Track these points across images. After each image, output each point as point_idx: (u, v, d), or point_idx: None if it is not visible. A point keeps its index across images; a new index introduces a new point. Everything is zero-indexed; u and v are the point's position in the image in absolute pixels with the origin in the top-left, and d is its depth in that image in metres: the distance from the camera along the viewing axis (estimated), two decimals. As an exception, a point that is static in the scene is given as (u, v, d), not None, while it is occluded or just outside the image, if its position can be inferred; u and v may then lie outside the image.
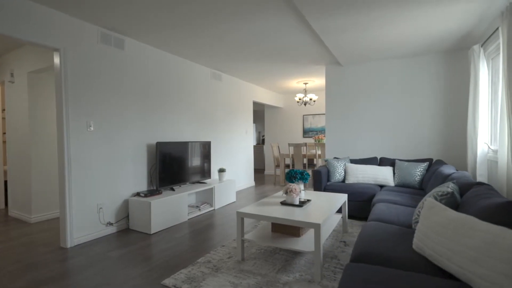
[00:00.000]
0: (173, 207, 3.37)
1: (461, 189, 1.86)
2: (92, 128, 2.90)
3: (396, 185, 3.55)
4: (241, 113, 5.66)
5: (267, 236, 2.42)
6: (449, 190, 1.70)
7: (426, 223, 1.40)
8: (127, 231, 3.15)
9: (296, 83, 6.10)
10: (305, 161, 6.22)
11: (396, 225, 1.96)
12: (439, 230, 1.29)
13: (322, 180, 3.69)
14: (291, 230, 2.40)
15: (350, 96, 4.42)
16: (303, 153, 5.83)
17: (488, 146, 2.73)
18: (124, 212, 3.27)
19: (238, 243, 2.35)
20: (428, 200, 1.51)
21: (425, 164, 3.41)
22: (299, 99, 5.92)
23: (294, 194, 2.52)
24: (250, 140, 6.00)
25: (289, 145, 5.84)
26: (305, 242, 2.23)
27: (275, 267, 2.20)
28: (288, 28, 3.01)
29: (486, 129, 2.76)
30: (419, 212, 1.78)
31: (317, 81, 5.86)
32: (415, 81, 3.94)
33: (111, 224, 3.11)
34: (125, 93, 3.25)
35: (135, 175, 3.38)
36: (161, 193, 3.43)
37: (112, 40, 3.09)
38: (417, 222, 1.78)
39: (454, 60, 3.67)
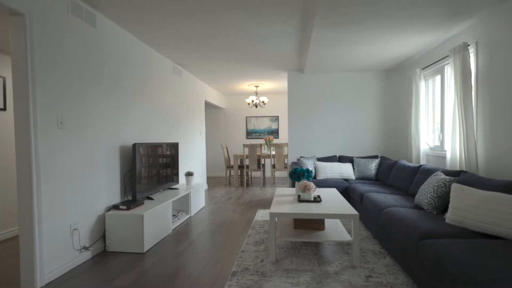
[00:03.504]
0: (161, 219, 2.93)
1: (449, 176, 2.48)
2: (63, 126, 2.20)
3: (356, 178, 4.23)
4: (197, 113, 5.35)
5: (292, 233, 2.49)
6: (450, 177, 2.26)
7: (464, 202, 1.86)
8: (106, 255, 2.53)
9: (247, 85, 6.23)
10: (263, 161, 6.43)
11: (408, 208, 2.41)
12: (481, 205, 1.75)
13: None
14: (315, 224, 2.55)
15: (310, 101, 4.92)
16: (257, 153, 6.02)
17: (428, 145, 3.67)
18: (99, 232, 2.61)
19: (271, 244, 2.32)
20: (456, 185, 1.99)
21: (378, 160, 4.22)
22: (252, 100, 6.09)
23: (311, 191, 2.68)
24: (203, 142, 5.73)
25: (244, 146, 5.92)
26: (334, 233, 2.44)
27: (312, 261, 2.31)
28: (281, 32, 3.13)
29: (425, 132, 3.70)
30: (431, 196, 2.29)
31: (268, 84, 6.19)
32: (361, 92, 4.78)
33: (86, 248, 2.43)
34: (97, 82, 2.61)
35: (108, 184, 2.75)
36: (142, 203, 2.91)
37: (83, 13, 2.43)
38: (430, 204, 2.28)
39: (392, 76, 4.69)
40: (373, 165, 4.18)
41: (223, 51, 3.81)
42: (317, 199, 2.69)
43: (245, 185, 6.12)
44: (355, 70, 4.72)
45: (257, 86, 6.25)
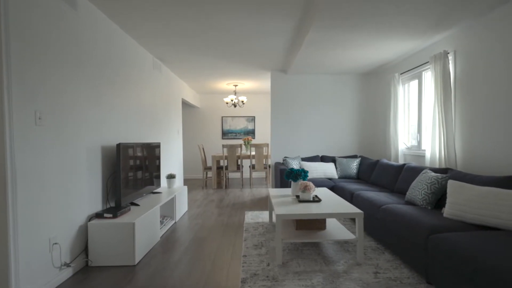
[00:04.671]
0: (150, 226, 2.68)
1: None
2: (42, 122, 1.88)
3: (339, 177, 4.36)
4: (174, 112, 5.05)
5: (295, 234, 2.45)
6: (441, 175, 2.44)
7: (463, 197, 2.00)
8: (90, 271, 2.23)
9: (226, 84, 6.08)
10: (240, 162, 6.28)
11: (403, 205, 2.53)
12: (480, 200, 1.90)
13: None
14: (317, 224, 2.55)
15: (292, 102, 4.97)
16: (237, 154, 5.90)
17: (405, 145, 3.94)
18: (81, 245, 2.29)
19: (278, 247, 2.25)
20: (452, 182, 2.14)
21: (359, 159, 4.41)
22: (231, 100, 5.95)
23: (311, 191, 2.68)
24: (180, 142, 5.44)
25: (223, 146, 5.76)
26: (336, 232, 2.46)
27: (318, 262, 2.30)
28: (276, 31, 3.10)
29: (402, 133, 3.97)
30: (425, 192, 2.43)
31: (247, 84, 6.11)
32: (341, 94, 4.97)
33: (67, 265, 2.10)
34: (79, 73, 2.28)
35: (90, 190, 2.43)
36: (129, 210, 2.64)
37: (62, -7, 2.11)
38: (425, 200, 2.42)
39: (370, 80, 4.95)
40: (354, 164, 4.36)
41: (211, 48, 3.65)
42: (316, 199, 2.70)
43: (223, 187, 5.95)
44: (336, 73, 4.88)
45: (236, 85, 6.14)
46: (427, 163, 3.24)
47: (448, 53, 2.98)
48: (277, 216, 2.26)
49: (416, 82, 3.74)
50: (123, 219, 2.38)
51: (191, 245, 2.75)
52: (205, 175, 6.22)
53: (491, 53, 2.51)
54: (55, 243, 1.99)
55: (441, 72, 2.99)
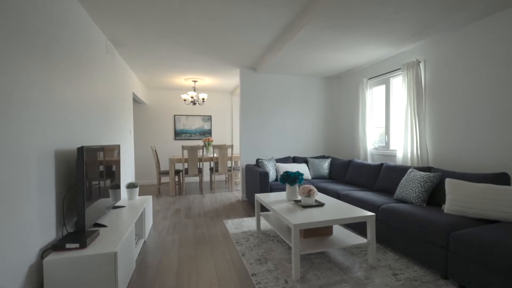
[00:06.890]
0: (128, 252, 2.10)
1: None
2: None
3: (312, 178, 4.38)
4: (126, 108, 4.26)
5: (306, 243, 2.27)
6: (433, 173, 2.61)
7: (463, 193, 2.15)
8: (51, 327, 1.58)
9: (184, 79, 5.49)
10: (200, 165, 5.69)
11: (398, 203, 2.62)
12: (479, 196, 2.07)
13: (268, 181, 3.78)
14: (325, 230, 2.42)
15: (262, 102, 4.79)
16: (199, 156, 5.37)
17: (373, 145, 4.20)
18: (34, 292, 1.60)
19: (295, 261, 2.03)
20: (450, 180, 2.29)
21: (329, 160, 4.52)
22: (191, 97, 5.40)
23: (314, 196, 2.54)
24: (132, 143, 4.63)
25: (183, 147, 5.18)
26: (345, 237, 2.38)
27: (334, 270, 2.16)
28: (265, 25, 2.88)
29: (370, 134, 4.22)
30: (419, 190, 2.57)
31: (208, 80, 5.64)
32: (310, 95, 5.03)
33: (18, 327, 1.43)
34: (25, 51, 1.61)
35: (40, 212, 1.74)
36: (98, 234, 2.01)
37: None
38: (419, 197, 2.55)
39: (338, 83, 5.12)
40: (326, 164, 4.45)
41: (183, 35, 3.15)
42: (317, 203, 2.58)
43: (182, 193, 5.35)
44: (306, 74, 4.90)
45: (195, 81, 5.60)
46: (399, 162, 3.49)
47: (420, 62, 3.26)
48: (295, 226, 2.03)
49: (383, 87, 4.02)
50: (96, 248, 1.78)
51: (181, 267, 2.27)
52: (158, 181, 5.48)
53: (457, 64, 2.83)
54: (1, 300, 1.32)
55: (414, 79, 3.25)
